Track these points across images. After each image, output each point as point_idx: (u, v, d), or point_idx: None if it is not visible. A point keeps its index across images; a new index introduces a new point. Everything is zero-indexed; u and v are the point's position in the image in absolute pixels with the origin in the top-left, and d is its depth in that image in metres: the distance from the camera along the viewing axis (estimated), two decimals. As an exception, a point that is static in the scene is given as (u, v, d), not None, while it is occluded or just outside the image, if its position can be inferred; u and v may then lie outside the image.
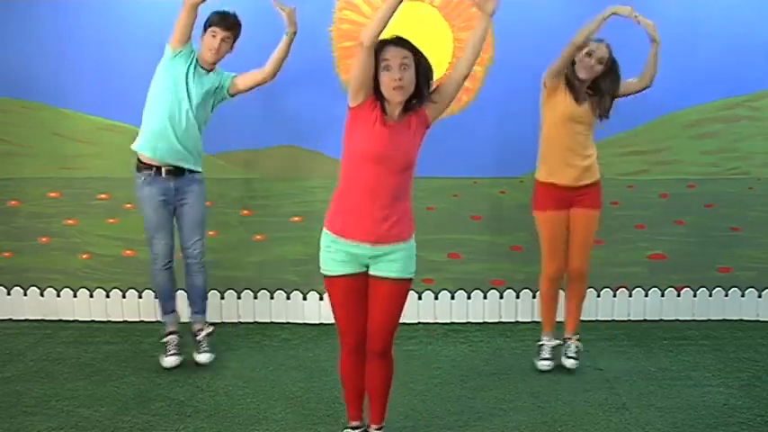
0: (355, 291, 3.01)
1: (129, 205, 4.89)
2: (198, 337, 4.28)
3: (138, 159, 4.11)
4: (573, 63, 3.93)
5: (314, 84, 4.71)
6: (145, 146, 4.07)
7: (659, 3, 4.70)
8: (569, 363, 4.15)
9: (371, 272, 3.00)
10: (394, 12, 2.78)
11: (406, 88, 2.82)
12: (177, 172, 4.09)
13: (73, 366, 4.28)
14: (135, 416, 3.64)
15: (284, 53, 4.12)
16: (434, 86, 2.95)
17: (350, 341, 3.10)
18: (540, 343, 4.25)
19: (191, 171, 4.14)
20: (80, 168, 4.91)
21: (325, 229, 3.02)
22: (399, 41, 2.86)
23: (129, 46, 4.70)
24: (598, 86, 3.97)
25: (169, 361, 4.19)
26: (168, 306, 4.30)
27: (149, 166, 4.07)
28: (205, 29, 4.03)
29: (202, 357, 4.23)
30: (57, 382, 4.04)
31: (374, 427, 3.26)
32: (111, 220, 4.96)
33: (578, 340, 4.23)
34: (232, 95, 4.20)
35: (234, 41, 4.08)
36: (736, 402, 3.77)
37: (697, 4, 4.73)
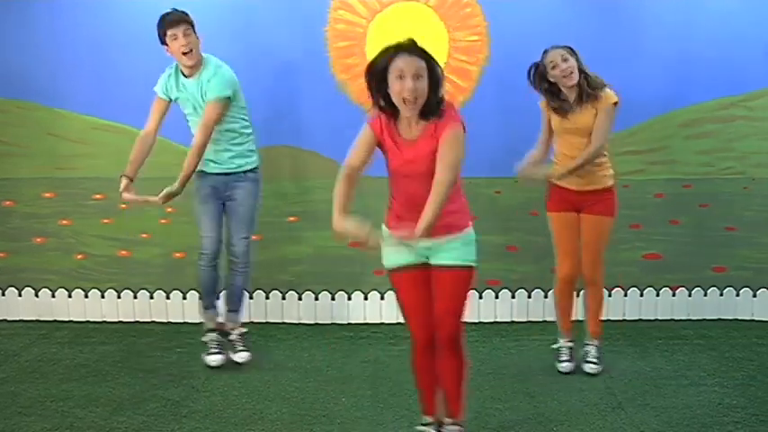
0: (417, 281, 3.00)
1: (123, 205, 4.87)
2: (231, 337, 4.27)
3: None
4: (549, 89, 3.91)
5: (309, 84, 4.71)
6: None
7: (655, 3, 4.71)
8: (588, 368, 4.10)
9: (431, 262, 3.00)
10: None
11: (419, 100, 2.76)
12: (226, 173, 4.11)
13: (68, 367, 4.27)
14: (130, 416, 3.64)
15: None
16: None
17: (419, 336, 3.07)
18: (557, 346, 4.22)
19: (244, 171, 4.14)
20: (75, 168, 4.90)
21: (384, 226, 3.03)
22: (413, 49, 2.78)
23: (125, 46, 4.70)
24: (584, 82, 3.87)
25: (212, 359, 4.19)
26: (207, 301, 4.27)
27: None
28: (163, 41, 3.93)
29: (239, 357, 4.21)
30: (52, 383, 4.04)
31: (450, 421, 3.21)
32: (105, 221, 4.95)
33: (598, 344, 4.17)
34: None
35: (194, 30, 3.94)
36: (731, 402, 3.77)
37: (692, 4, 4.73)
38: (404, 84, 2.73)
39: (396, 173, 2.93)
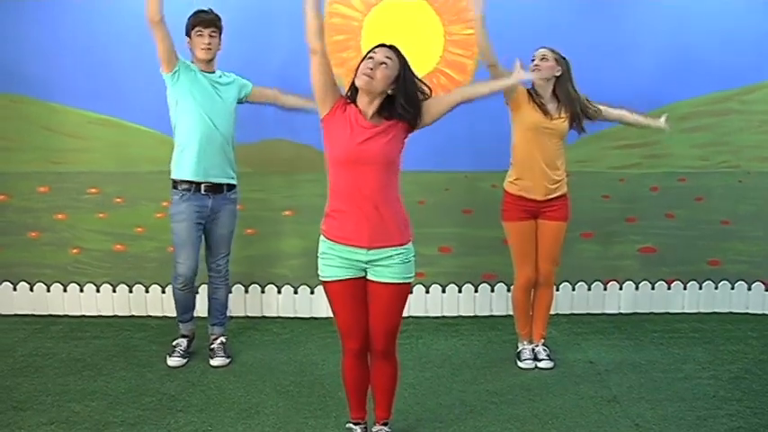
0: (354, 294, 3.01)
1: (118, 199, 4.88)
2: (213, 346, 4.29)
3: (173, 179, 4.10)
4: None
5: (304, 78, 4.68)
6: (185, 171, 4.04)
7: (650, -4, 4.71)
8: (546, 364, 4.15)
9: (369, 277, 3.00)
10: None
11: (374, 80, 2.85)
12: (216, 189, 4.10)
13: (63, 361, 4.27)
14: (126, 410, 3.64)
15: (306, 109, 4.14)
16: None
17: (352, 345, 3.09)
18: (519, 349, 4.25)
19: (229, 187, 4.16)
20: (69, 163, 4.89)
21: (322, 236, 3.04)
22: (393, 48, 2.93)
23: (119, 39, 4.68)
24: (565, 93, 3.95)
25: (172, 361, 4.22)
26: (185, 317, 4.34)
27: (188, 182, 4.06)
28: (189, 34, 4.00)
29: (215, 362, 4.22)
30: (47, 378, 4.03)
31: (380, 422, 3.28)
32: (100, 215, 4.94)
33: (545, 342, 4.25)
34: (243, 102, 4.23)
35: (220, 35, 4.04)
36: (725, 394, 3.79)
37: (688, -2, 4.73)
38: (367, 63, 2.87)
39: (341, 160, 2.92)
